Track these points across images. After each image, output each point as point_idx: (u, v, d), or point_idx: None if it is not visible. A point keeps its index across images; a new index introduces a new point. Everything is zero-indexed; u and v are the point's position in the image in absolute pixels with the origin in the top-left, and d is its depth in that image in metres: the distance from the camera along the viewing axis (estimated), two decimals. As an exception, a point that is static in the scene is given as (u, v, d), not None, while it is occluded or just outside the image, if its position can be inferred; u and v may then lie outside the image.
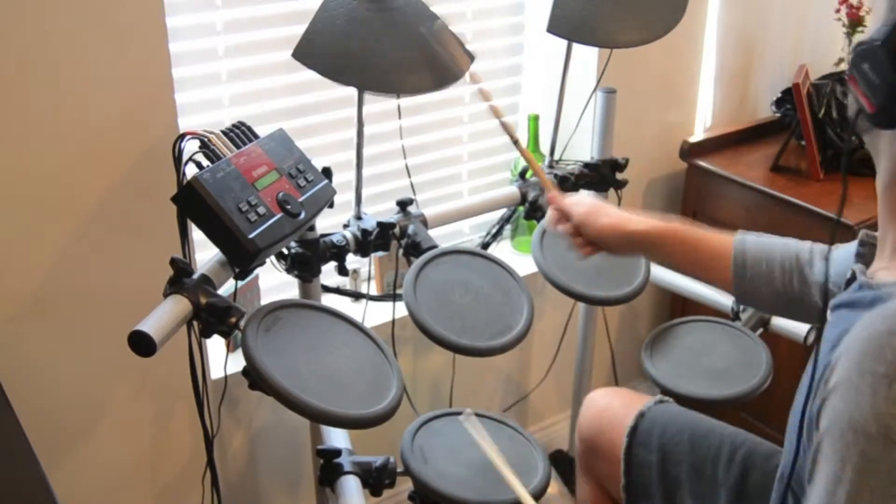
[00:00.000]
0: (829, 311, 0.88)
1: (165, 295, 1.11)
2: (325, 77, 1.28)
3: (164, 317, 1.06)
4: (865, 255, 0.92)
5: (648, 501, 1.28)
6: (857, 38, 2.07)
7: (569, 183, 1.70)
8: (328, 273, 1.55)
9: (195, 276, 1.13)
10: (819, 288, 1.10)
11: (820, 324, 0.89)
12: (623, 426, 1.31)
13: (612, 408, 1.37)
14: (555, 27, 1.53)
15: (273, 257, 1.36)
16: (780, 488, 0.96)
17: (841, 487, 0.72)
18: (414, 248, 1.45)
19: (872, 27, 0.82)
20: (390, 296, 1.81)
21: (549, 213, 1.29)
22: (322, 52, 1.28)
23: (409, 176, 1.68)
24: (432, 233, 1.49)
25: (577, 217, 1.24)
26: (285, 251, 1.37)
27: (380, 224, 1.46)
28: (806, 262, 1.13)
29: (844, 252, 1.08)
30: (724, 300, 1.70)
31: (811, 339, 1.55)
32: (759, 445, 1.25)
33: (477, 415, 1.46)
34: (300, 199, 1.22)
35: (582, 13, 1.53)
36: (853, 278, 0.89)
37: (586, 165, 1.74)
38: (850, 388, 0.72)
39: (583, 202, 1.25)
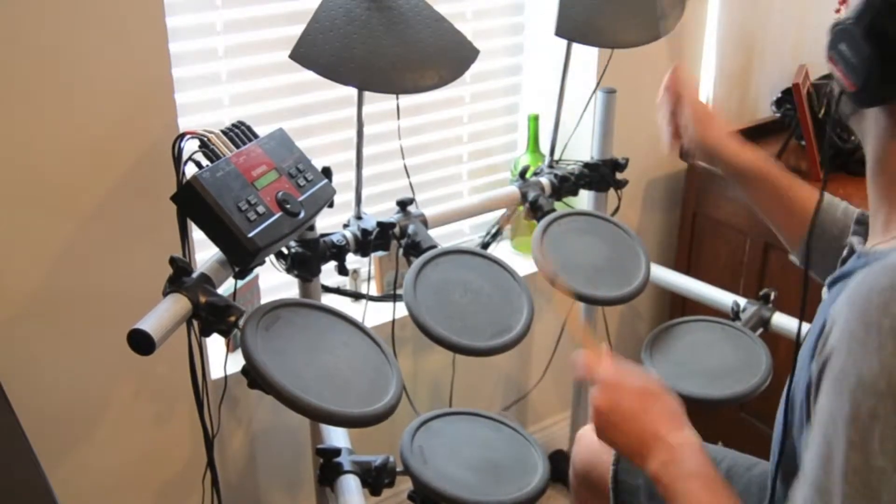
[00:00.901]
0: (824, 290, 0.88)
1: (165, 294, 1.11)
2: (324, 77, 1.28)
3: (163, 315, 1.06)
4: (861, 234, 0.92)
5: None
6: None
7: (569, 183, 1.70)
8: (328, 273, 1.56)
9: (195, 275, 1.13)
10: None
11: (804, 289, 0.88)
12: (609, 455, 1.31)
13: (600, 442, 1.38)
14: (562, 30, 1.53)
15: (273, 257, 1.36)
16: (772, 475, 0.95)
17: (854, 451, 0.68)
18: (414, 248, 1.45)
19: (849, 8, 0.82)
20: (390, 296, 1.81)
21: (666, 89, 1.29)
22: (321, 52, 1.28)
23: (409, 176, 1.68)
24: (432, 233, 1.49)
25: (688, 114, 1.25)
26: (285, 251, 1.38)
27: (380, 224, 1.46)
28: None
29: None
30: (725, 300, 1.70)
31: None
32: (739, 459, 1.26)
33: (476, 415, 1.47)
34: (300, 199, 1.22)
35: (587, 15, 1.53)
36: (849, 255, 0.88)
37: (586, 165, 1.74)
38: (855, 342, 0.69)
39: (698, 103, 1.26)
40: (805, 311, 0.92)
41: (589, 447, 1.39)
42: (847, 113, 0.87)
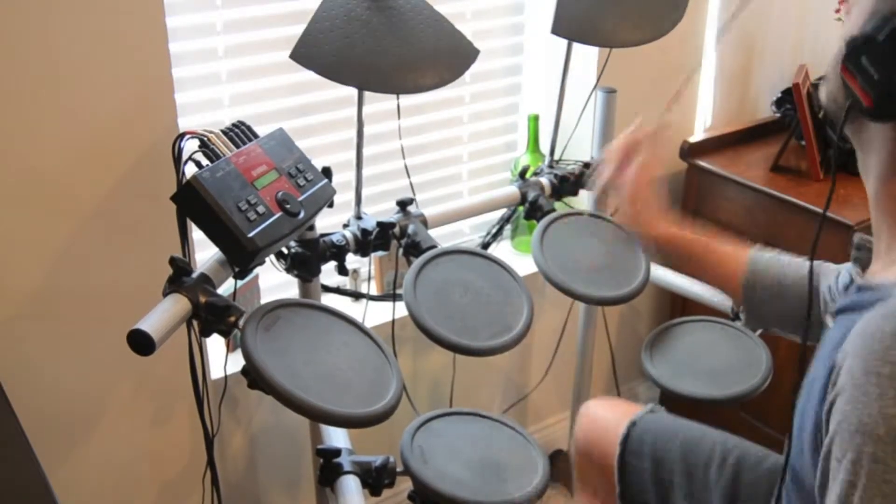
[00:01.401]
0: (830, 318, 0.88)
1: (165, 294, 1.11)
2: (324, 77, 1.28)
3: (163, 316, 1.06)
4: (862, 259, 0.92)
5: None
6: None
7: (569, 183, 1.70)
8: (328, 273, 1.55)
9: (194, 276, 1.13)
10: (823, 308, 1.10)
11: (805, 327, 0.89)
12: (615, 435, 1.32)
13: (605, 418, 1.38)
14: (559, 28, 1.53)
15: (273, 257, 1.36)
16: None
17: (855, 492, 0.71)
18: (414, 248, 1.45)
19: (858, 20, 0.81)
20: (390, 296, 1.81)
21: (611, 157, 1.33)
22: (321, 52, 1.28)
23: (409, 176, 1.68)
24: (432, 233, 1.49)
25: (626, 190, 1.30)
26: (285, 251, 1.37)
27: (380, 224, 1.46)
28: (820, 286, 1.13)
29: (848, 267, 1.08)
30: (725, 300, 1.70)
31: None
32: (750, 449, 1.25)
33: (477, 415, 1.47)
34: (300, 199, 1.22)
35: (585, 14, 1.53)
36: (851, 283, 0.89)
37: (586, 165, 1.74)
38: (857, 389, 0.72)
39: (637, 181, 1.30)
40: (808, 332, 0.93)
41: (592, 423, 1.39)
42: (848, 122, 0.87)
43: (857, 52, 0.80)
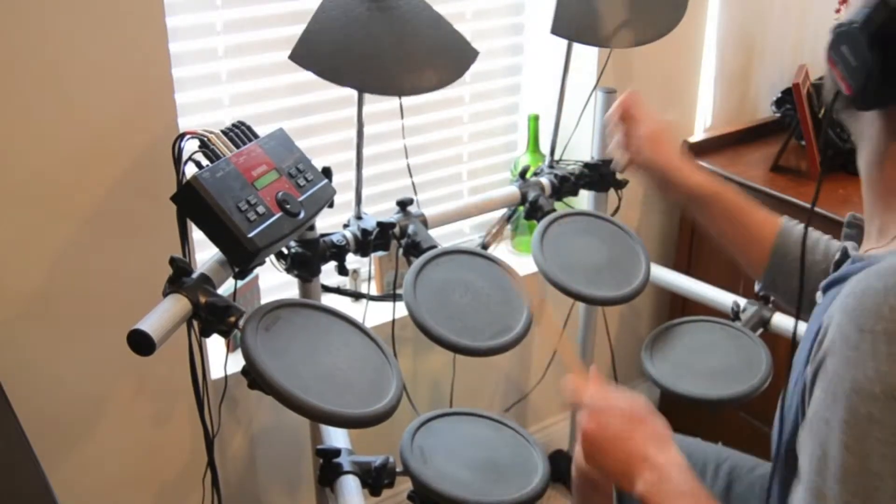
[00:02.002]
0: (819, 294, 0.87)
1: (165, 294, 1.11)
2: (324, 78, 1.28)
3: (163, 316, 1.06)
4: (854, 237, 0.91)
5: None
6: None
7: (569, 183, 1.70)
8: (328, 273, 1.55)
9: (195, 276, 1.13)
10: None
11: (798, 303, 0.88)
12: None
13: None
14: (558, 29, 1.53)
15: (273, 257, 1.36)
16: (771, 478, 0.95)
17: (850, 455, 0.69)
18: (414, 248, 1.45)
19: (851, 10, 0.82)
20: (390, 296, 1.81)
21: (616, 110, 1.27)
22: (320, 53, 1.28)
23: (410, 176, 1.68)
24: (432, 233, 1.49)
25: (641, 135, 1.24)
26: (285, 251, 1.38)
27: (380, 224, 1.46)
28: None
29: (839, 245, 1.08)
30: (725, 300, 1.70)
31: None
32: (742, 459, 1.26)
33: (477, 415, 1.47)
34: (300, 199, 1.22)
35: (584, 14, 1.53)
36: (843, 259, 0.88)
37: (586, 165, 1.74)
38: (849, 347, 0.70)
39: (652, 123, 1.24)
40: (801, 312, 0.92)
41: None
42: (840, 112, 0.87)
43: (838, 40, 0.81)
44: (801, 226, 1.18)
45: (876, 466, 0.68)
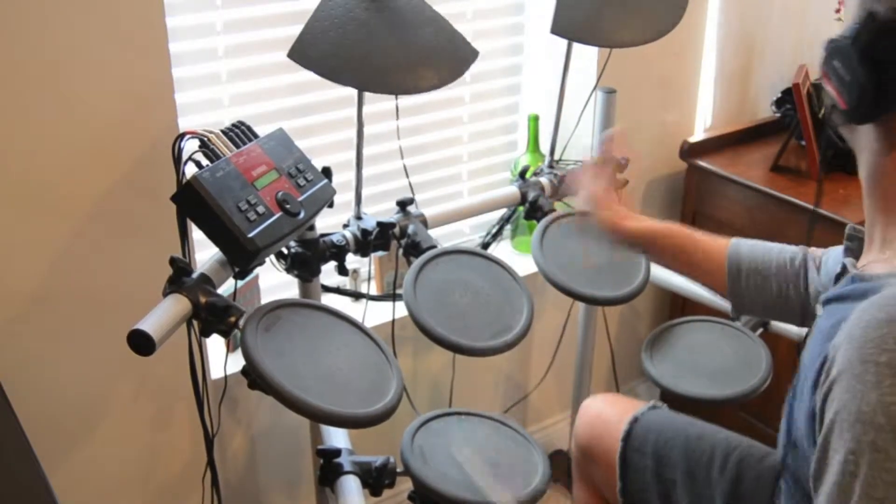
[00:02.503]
0: (819, 306, 0.88)
1: (165, 294, 1.11)
2: (322, 77, 1.28)
3: (163, 316, 1.06)
4: (854, 250, 0.92)
5: None
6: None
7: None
8: (328, 273, 1.55)
9: (195, 276, 1.13)
10: (814, 296, 1.10)
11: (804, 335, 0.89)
12: (617, 432, 1.32)
13: (606, 414, 1.38)
14: (558, 28, 1.53)
15: (273, 257, 1.36)
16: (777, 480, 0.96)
17: (856, 481, 0.71)
18: (414, 248, 1.45)
19: (845, 24, 0.82)
20: (390, 296, 1.81)
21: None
22: (319, 52, 1.28)
23: (409, 176, 1.68)
24: (432, 233, 1.49)
25: (584, 204, 1.32)
26: (285, 251, 1.37)
27: (380, 224, 1.46)
28: (801, 269, 1.14)
29: (835, 254, 1.09)
30: (724, 300, 1.70)
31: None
32: (753, 448, 1.25)
33: (477, 415, 1.47)
34: (299, 199, 1.22)
35: (585, 14, 1.53)
36: (843, 273, 0.89)
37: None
38: (854, 378, 0.72)
39: (591, 193, 1.31)
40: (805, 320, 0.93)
41: (593, 419, 1.39)
42: (838, 125, 0.88)
43: (831, 55, 0.82)
44: (748, 242, 1.22)
45: (880, 494, 0.70)
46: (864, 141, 0.85)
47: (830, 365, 0.75)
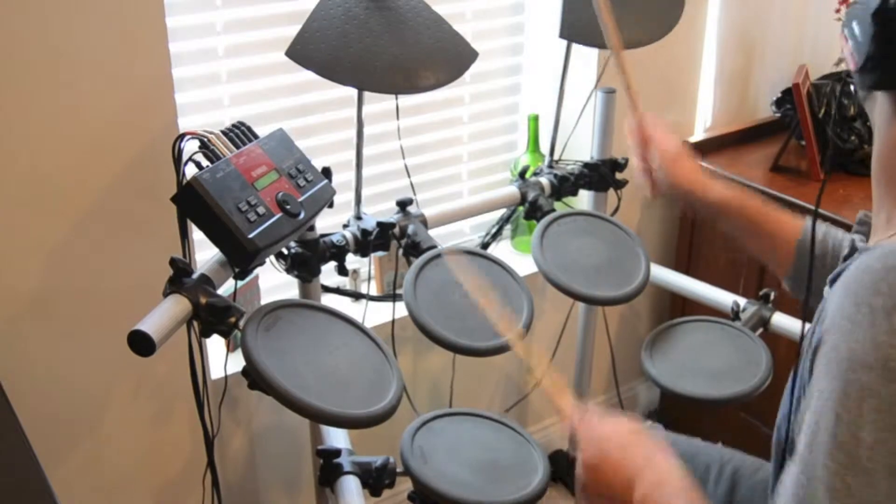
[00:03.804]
0: (826, 288, 0.88)
1: (165, 294, 1.11)
2: (320, 75, 1.27)
3: (163, 316, 1.06)
4: (864, 233, 0.92)
5: None
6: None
7: (569, 183, 1.70)
8: (328, 273, 1.55)
9: (195, 276, 1.13)
10: None
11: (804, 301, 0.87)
12: None
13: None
14: (566, 33, 1.53)
15: (273, 257, 1.36)
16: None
17: (842, 425, 0.69)
18: (414, 248, 1.45)
19: None
20: (390, 296, 1.81)
21: (632, 134, 1.31)
22: (317, 51, 1.28)
23: (408, 175, 1.68)
24: (432, 233, 1.49)
25: (658, 158, 1.27)
26: (285, 251, 1.38)
27: (380, 224, 1.46)
28: None
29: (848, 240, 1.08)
30: (724, 300, 1.70)
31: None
32: (746, 461, 1.26)
33: (477, 415, 1.47)
34: (300, 199, 1.22)
35: (589, 16, 1.53)
36: (851, 253, 0.88)
37: (586, 165, 1.74)
38: (846, 320, 0.71)
39: (667, 144, 1.27)
40: (807, 315, 0.92)
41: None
42: (861, 96, 0.88)
43: (849, 16, 0.82)
44: (824, 226, 1.20)
45: (867, 437, 0.68)
46: (876, 115, 0.85)
47: (823, 315, 0.74)
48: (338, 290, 1.81)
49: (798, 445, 0.74)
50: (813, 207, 0.93)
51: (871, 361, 0.68)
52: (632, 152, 1.33)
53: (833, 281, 0.86)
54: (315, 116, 1.68)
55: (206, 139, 1.19)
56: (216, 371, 1.56)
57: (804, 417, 0.74)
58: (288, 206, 1.18)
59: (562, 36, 1.53)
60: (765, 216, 1.23)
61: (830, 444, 0.69)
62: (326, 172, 1.32)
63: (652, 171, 1.29)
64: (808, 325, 1.25)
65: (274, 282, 1.71)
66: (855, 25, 0.81)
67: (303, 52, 1.27)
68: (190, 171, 1.17)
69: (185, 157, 1.19)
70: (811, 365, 0.75)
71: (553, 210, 1.60)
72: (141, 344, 1.03)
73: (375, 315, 1.77)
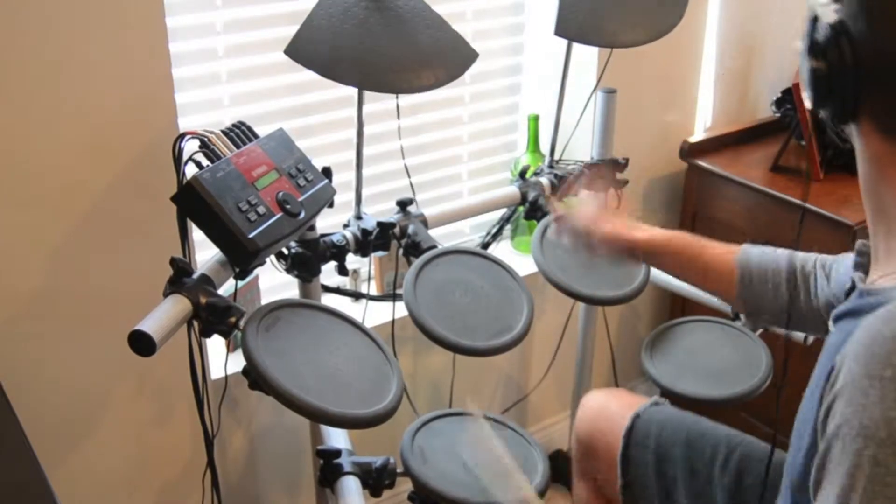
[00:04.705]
0: (831, 323, 0.88)
1: (165, 294, 1.11)
2: (318, 74, 1.27)
3: (163, 316, 1.06)
4: (864, 265, 0.92)
5: (645, 502, 1.28)
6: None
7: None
8: (328, 273, 1.55)
9: (195, 276, 1.13)
10: (824, 305, 1.10)
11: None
12: (619, 427, 1.31)
13: (609, 409, 1.38)
14: (562, 30, 1.53)
15: (273, 257, 1.36)
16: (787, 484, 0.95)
17: (854, 495, 0.71)
18: (414, 248, 1.45)
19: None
20: (390, 296, 1.81)
21: (552, 222, 1.33)
22: (316, 49, 1.27)
23: (409, 176, 1.68)
24: (432, 233, 1.49)
25: (581, 225, 1.30)
26: (285, 251, 1.37)
27: (380, 224, 1.46)
28: (810, 276, 1.13)
29: (846, 264, 1.08)
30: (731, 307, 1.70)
31: (810, 339, 1.55)
32: (755, 446, 1.25)
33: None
34: (300, 199, 1.22)
35: (587, 15, 1.53)
36: (853, 288, 0.89)
37: (586, 165, 1.74)
38: (857, 392, 0.72)
39: (585, 209, 1.30)
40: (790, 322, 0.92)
41: (595, 414, 1.39)
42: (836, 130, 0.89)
43: (800, 59, 0.84)
44: (757, 250, 1.20)
45: None
46: (856, 145, 0.85)
47: (835, 378, 0.75)
48: (338, 290, 1.81)
49: None
50: (815, 209, 0.94)
51: (883, 437, 0.69)
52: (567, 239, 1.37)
53: (838, 319, 0.87)
54: (315, 116, 1.68)
55: (206, 139, 1.19)
56: (216, 371, 1.56)
57: (818, 479, 0.75)
58: (288, 206, 1.18)
59: (557, 33, 1.53)
60: (697, 250, 1.24)
61: None
62: (326, 172, 1.32)
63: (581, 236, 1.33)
64: (809, 336, 1.25)
65: (274, 282, 1.71)
66: (801, 65, 0.83)
67: (302, 50, 1.27)
68: (190, 170, 1.17)
69: (185, 156, 1.19)
70: (825, 418, 0.76)
71: (553, 210, 1.60)
72: (141, 344, 1.03)
73: (375, 315, 1.76)
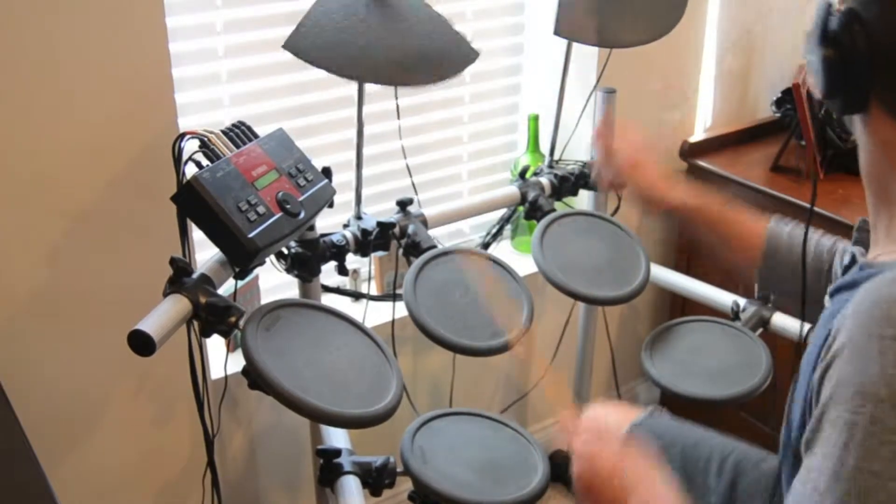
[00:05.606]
0: (827, 298, 0.88)
1: (165, 294, 1.11)
2: (317, 66, 1.26)
3: (163, 316, 1.06)
4: (863, 241, 0.92)
5: None
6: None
7: (569, 183, 1.70)
8: (328, 273, 1.55)
9: (195, 276, 1.13)
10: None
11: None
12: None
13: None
14: (560, 30, 1.53)
15: (273, 257, 1.36)
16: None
17: (850, 454, 0.70)
18: (414, 248, 1.45)
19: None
20: (390, 296, 1.81)
21: (597, 138, 1.36)
22: (314, 43, 1.27)
23: (410, 175, 1.68)
24: (432, 233, 1.49)
25: (621, 160, 1.31)
26: (285, 251, 1.38)
27: (380, 224, 1.46)
28: (830, 259, 1.13)
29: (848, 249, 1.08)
30: (724, 300, 1.70)
31: (805, 329, 1.55)
32: (749, 452, 1.25)
33: (477, 415, 1.47)
34: (300, 199, 1.22)
35: (586, 15, 1.53)
36: (852, 263, 0.89)
37: (586, 165, 1.74)
38: (857, 351, 0.71)
39: (630, 148, 1.31)
40: (805, 313, 0.93)
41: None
42: (839, 119, 0.90)
43: (807, 47, 0.83)
44: (789, 226, 1.21)
45: (877, 466, 0.69)
46: (858, 133, 0.86)
47: (833, 340, 0.74)
48: (338, 290, 1.81)
49: (805, 467, 0.75)
50: (814, 209, 0.94)
51: (882, 394, 0.69)
52: (596, 150, 1.38)
53: (835, 293, 0.87)
54: (315, 116, 1.68)
55: (206, 139, 1.19)
56: (216, 371, 1.56)
57: (811, 438, 0.75)
58: (288, 206, 1.18)
59: (556, 33, 1.53)
60: (727, 218, 1.25)
61: (839, 473, 0.70)
62: (326, 172, 1.32)
63: (610, 170, 1.34)
64: (806, 326, 1.25)
65: (274, 282, 1.71)
66: (811, 56, 0.83)
67: (301, 44, 1.26)
68: (190, 170, 1.17)
69: (185, 156, 1.19)
70: (820, 381, 0.76)
71: (553, 210, 1.60)
72: (141, 344, 1.03)
73: (375, 315, 1.76)
